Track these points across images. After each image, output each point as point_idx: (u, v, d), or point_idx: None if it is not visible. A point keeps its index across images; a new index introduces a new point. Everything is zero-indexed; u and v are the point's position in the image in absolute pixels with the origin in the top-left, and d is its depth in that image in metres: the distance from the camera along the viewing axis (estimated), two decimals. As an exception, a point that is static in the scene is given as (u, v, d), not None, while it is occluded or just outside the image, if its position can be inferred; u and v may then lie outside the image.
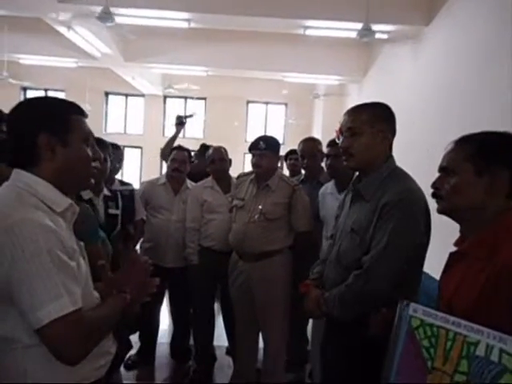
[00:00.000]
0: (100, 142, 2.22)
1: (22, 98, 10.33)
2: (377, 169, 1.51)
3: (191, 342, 3.00)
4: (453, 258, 1.17)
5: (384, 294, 1.40)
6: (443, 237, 1.67)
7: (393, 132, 1.56)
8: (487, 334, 0.88)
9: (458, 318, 0.93)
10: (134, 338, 2.99)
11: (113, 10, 4.17)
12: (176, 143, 3.22)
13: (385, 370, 1.05)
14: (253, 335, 2.57)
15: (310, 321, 2.75)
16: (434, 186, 1.17)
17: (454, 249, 1.19)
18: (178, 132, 3.44)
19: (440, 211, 1.17)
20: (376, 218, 1.43)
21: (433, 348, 0.94)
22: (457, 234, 1.21)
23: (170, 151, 3.05)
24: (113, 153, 2.40)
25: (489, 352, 0.87)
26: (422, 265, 1.54)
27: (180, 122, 3.44)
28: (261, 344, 2.59)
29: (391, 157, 1.55)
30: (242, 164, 7.86)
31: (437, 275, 1.29)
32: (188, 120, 3.54)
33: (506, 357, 0.85)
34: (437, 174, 1.19)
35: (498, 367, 0.85)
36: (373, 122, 1.50)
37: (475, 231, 1.09)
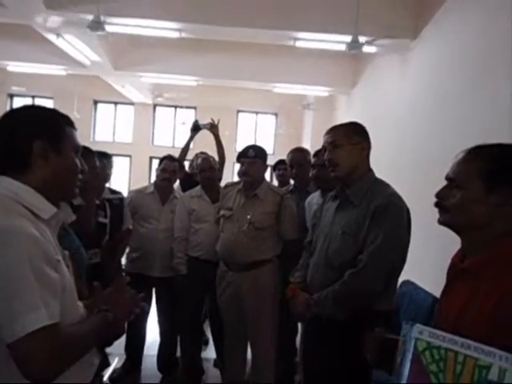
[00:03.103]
0: (87, 151, 2.19)
1: (8, 106, 10.21)
2: (360, 178, 1.70)
3: (179, 353, 2.96)
4: (454, 275, 1.11)
5: (378, 290, 1.57)
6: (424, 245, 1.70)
7: (368, 145, 1.76)
8: (499, 357, 0.81)
9: (467, 340, 0.86)
10: (120, 350, 2.93)
11: (103, 18, 4.17)
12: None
13: None
14: (241, 347, 2.54)
15: (299, 332, 2.74)
16: (438, 196, 1.11)
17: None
18: (191, 137, 3.42)
19: (441, 223, 1.11)
20: (368, 219, 1.58)
21: (441, 373, 0.87)
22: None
23: (183, 156, 3.17)
24: (103, 161, 2.37)
25: (502, 376, 0.80)
26: (403, 264, 1.66)
27: (195, 127, 3.39)
28: (249, 356, 2.56)
29: (371, 170, 1.77)
30: (231, 173, 7.86)
31: (422, 284, 1.31)
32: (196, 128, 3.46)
33: None
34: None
35: None
36: (350, 136, 1.72)
37: (479, 249, 1.03)
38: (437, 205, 1.10)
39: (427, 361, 0.89)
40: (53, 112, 1.09)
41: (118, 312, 1.07)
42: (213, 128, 3.38)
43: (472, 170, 1.02)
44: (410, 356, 0.91)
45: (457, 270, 1.09)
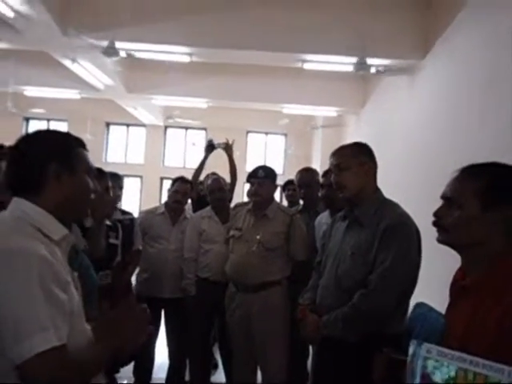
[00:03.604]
0: (99, 172, 2.23)
1: (24, 129, 10.48)
2: (369, 198, 1.69)
3: (188, 377, 2.91)
4: (457, 292, 1.13)
5: (389, 311, 1.54)
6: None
7: (374, 164, 1.76)
8: (508, 373, 0.82)
9: (476, 357, 0.86)
10: (128, 373, 2.89)
11: (117, 44, 4.31)
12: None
13: None
14: (251, 370, 2.49)
15: (310, 355, 2.68)
16: (436, 215, 1.13)
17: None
18: (206, 156, 3.42)
19: (440, 241, 1.14)
20: (378, 240, 1.56)
21: None
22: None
23: (196, 177, 3.25)
24: (114, 181, 2.41)
25: None
26: (415, 285, 1.62)
27: (210, 147, 3.40)
28: (259, 379, 2.50)
29: (379, 189, 1.75)
30: (241, 193, 7.89)
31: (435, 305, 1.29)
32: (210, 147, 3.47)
33: None
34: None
35: None
36: (356, 156, 1.71)
37: (478, 266, 1.06)
38: (435, 224, 1.13)
39: (436, 379, 0.89)
40: (65, 135, 1.12)
41: (125, 336, 1.05)
42: (227, 148, 3.40)
43: (468, 189, 1.05)
44: (419, 375, 0.91)
45: (459, 288, 1.11)
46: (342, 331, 1.56)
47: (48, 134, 1.11)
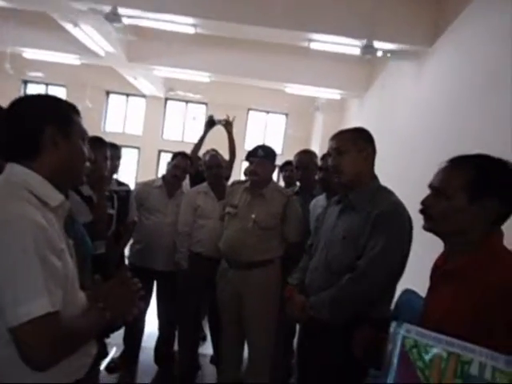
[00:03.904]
0: (99, 142, 2.22)
1: (22, 91, 10.30)
2: (365, 184, 1.69)
3: (176, 347, 2.97)
4: (438, 278, 1.19)
5: (375, 296, 1.57)
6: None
7: (373, 151, 1.74)
8: (479, 353, 0.89)
9: (451, 338, 0.93)
10: (118, 340, 2.96)
11: (120, 10, 4.19)
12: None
13: None
14: (238, 345, 2.55)
15: (296, 334, 2.74)
16: (423, 203, 1.20)
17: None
18: (206, 132, 3.39)
19: (426, 229, 1.20)
20: (370, 226, 1.57)
21: (427, 369, 0.93)
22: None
23: (195, 152, 3.24)
24: (112, 152, 2.39)
25: (482, 370, 0.88)
26: (402, 273, 1.65)
27: (210, 123, 3.36)
28: (245, 355, 2.56)
29: (376, 176, 1.75)
30: (239, 171, 7.87)
31: (423, 293, 1.32)
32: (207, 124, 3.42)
33: (499, 374, 0.86)
34: None
35: None
36: (355, 141, 1.70)
37: (461, 252, 1.12)
38: (422, 212, 1.20)
39: (414, 357, 0.95)
40: (59, 100, 1.10)
41: (116, 309, 1.06)
42: (227, 125, 3.38)
43: (456, 181, 1.11)
44: (397, 353, 0.97)
45: (441, 273, 1.18)
46: (328, 313, 1.58)
47: (43, 98, 1.09)
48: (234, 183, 2.64)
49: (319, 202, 2.49)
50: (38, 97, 1.09)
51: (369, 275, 1.54)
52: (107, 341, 2.69)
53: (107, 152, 2.23)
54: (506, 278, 1.01)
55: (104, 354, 2.73)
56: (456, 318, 1.05)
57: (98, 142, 2.18)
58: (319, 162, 2.61)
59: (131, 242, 2.95)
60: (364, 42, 4.16)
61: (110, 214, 2.37)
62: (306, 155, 2.84)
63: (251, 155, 2.41)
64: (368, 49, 4.08)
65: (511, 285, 1.00)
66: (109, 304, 1.05)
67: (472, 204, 1.09)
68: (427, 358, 0.93)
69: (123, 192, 2.68)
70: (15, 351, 0.89)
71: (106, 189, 2.32)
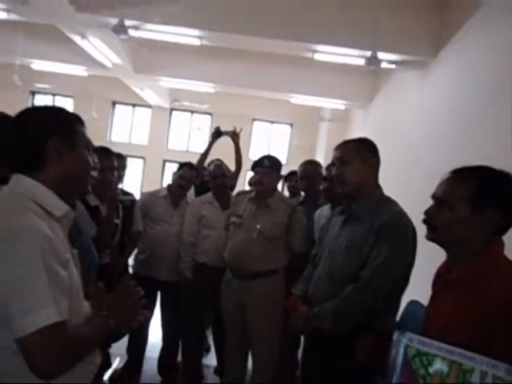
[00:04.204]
0: (107, 152, 2.24)
1: (30, 102, 10.44)
2: (368, 194, 1.69)
3: (180, 358, 2.95)
4: (440, 286, 1.21)
5: (379, 307, 1.56)
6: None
7: (377, 162, 1.74)
8: (480, 361, 0.90)
9: (452, 346, 0.94)
10: (122, 350, 2.94)
11: (127, 23, 4.26)
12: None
13: None
14: (242, 356, 2.53)
15: (301, 344, 2.72)
16: (426, 213, 1.21)
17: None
18: (212, 142, 3.42)
19: (429, 239, 1.22)
20: (373, 236, 1.57)
21: (429, 376, 0.95)
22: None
23: (201, 162, 3.26)
24: (117, 162, 2.42)
25: (483, 379, 0.89)
26: (407, 283, 1.64)
27: (217, 134, 3.39)
28: (249, 365, 2.54)
29: (379, 186, 1.75)
30: (243, 181, 7.90)
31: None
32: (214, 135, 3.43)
33: (500, 382, 0.88)
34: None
35: None
36: (359, 152, 1.70)
37: (463, 261, 1.14)
38: (425, 222, 1.21)
39: (417, 366, 0.96)
40: (63, 111, 1.11)
41: (120, 317, 1.07)
42: (234, 136, 3.40)
43: (459, 192, 1.13)
44: (400, 361, 0.98)
45: (443, 282, 1.20)
46: (331, 323, 1.57)
47: (46, 109, 1.11)
48: (239, 193, 2.64)
49: (324, 212, 2.49)
50: (43, 108, 1.11)
51: (372, 285, 1.53)
52: (110, 351, 2.69)
53: (114, 162, 2.25)
54: (507, 288, 1.03)
55: (107, 364, 2.72)
56: (457, 327, 1.06)
57: (105, 152, 2.21)
58: (324, 172, 2.61)
59: (136, 251, 2.96)
60: (368, 53, 4.19)
61: (115, 224, 2.38)
62: (311, 165, 2.84)
63: (257, 165, 2.42)
64: (372, 60, 4.10)
65: (509, 303, 1.01)
66: (112, 312, 1.06)
67: (474, 215, 1.11)
68: (430, 368, 0.94)
69: (128, 201, 2.69)
70: (22, 361, 0.89)
71: (116, 200, 2.33)
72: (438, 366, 0.93)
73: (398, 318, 1.80)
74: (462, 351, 0.92)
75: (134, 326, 1.11)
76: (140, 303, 1.11)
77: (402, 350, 0.98)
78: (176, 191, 2.95)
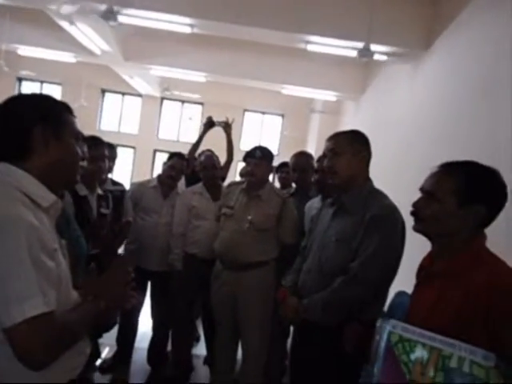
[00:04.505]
0: (97, 141, 2.21)
1: (17, 89, 10.23)
2: (358, 186, 1.69)
3: (169, 348, 2.96)
4: (423, 277, 1.25)
5: (368, 299, 1.58)
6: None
7: (369, 154, 1.75)
8: (459, 347, 0.95)
9: (434, 333, 0.99)
10: (111, 341, 2.94)
11: (117, 9, 4.17)
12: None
13: None
14: (232, 346, 2.54)
15: (290, 335, 2.74)
16: (414, 205, 1.24)
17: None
18: (204, 133, 3.40)
19: (416, 230, 1.26)
20: (363, 229, 1.58)
21: (411, 362, 0.99)
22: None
23: (192, 152, 3.24)
24: (107, 152, 2.38)
25: (461, 364, 0.94)
26: (395, 275, 1.66)
27: (209, 124, 3.36)
28: (239, 355, 2.56)
29: (370, 179, 1.75)
30: (234, 172, 7.86)
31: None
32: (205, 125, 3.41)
33: (477, 367, 0.93)
34: None
35: (470, 377, 0.93)
36: (351, 144, 1.71)
37: (447, 253, 1.18)
38: (413, 213, 1.25)
39: (399, 351, 1.01)
40: (51, 99, 1.09)
41: (111, 299, 1.06)
42: (227, 127, 3.38)
43: (447, 186, 1.17)
44: (383, 347, 1.03)
45: (426, 273, 1.24)
46: (320, 315, 1.59)
47: (33, 97, 1.08)
48: (230, 184, 2.63)
49: (314, 203, 2.49)
50: (30, 96, 1.08)
51: (361, 278, 1.55)
52: (100, 341, 2.68)
53: (105, 151, 2.23)
54: (490, 280, 1.06)
55: (97, 354, 2.72)
56: (438, 317, 1.10)
57: (96, 141, 2.18)
58: (315, 164, 2.61)
59: (125, 241, 2.94)
60: (361, 44, 4.18)
61: (105, 214, 2.36)
62: (303, 157, 2.83)
63: (249, 156, 2.41)
64: (365, 52, 4.09)
65: (492, 286, 1.05)
66: (103, 293, 1.05)
67: (461, 208, 1.14)
68: (412, 354, 1.00)
69: (118, 192, 2.67)
70: (8, 351, 0.88)
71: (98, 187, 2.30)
72: (419, 352, 0.98)
73: (385, 308, 1.83)
74: (444, 338, 0.97)
75: (126, 308, 1.10)
76: (131, 285, 1.10)
77: (385, 336, 1.03)
78: (166, 181, 2.92)
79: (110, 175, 2.77)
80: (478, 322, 1.04)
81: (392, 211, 1.63)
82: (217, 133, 3.50)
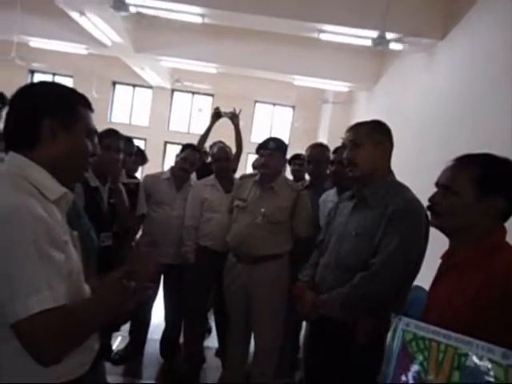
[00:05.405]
0: (114, 133, 2.20)
1: (29, 81, 10.29)
2: (380, 179, 1.63)
3: (182, 340, 2.97)
4: (441, 271, 1.23)
5: (389, 296, 1.52)
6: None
7: (391, 145, 1.68)
8: (476, 346, 0.91)
9: (449, 331, 0.96)
10: (124, 332, 2.95)
11: (127, -1, 4.15)
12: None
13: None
14: (245, 338, 2.53)
15: (303, 328, 2.72)
16: (431, 200, 1.22)
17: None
18: (212, 124, 3.37)
19: (435, 225, 1.23)
20: (384, 223, 1.53)
21: (426, 361, 0.97)
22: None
23: (201, 144, 3.21)
24: (125, 146, 2.35)
25: (478, 362, 0.90)
26: (418, 271, 1.62)
27: (217, 115, 3.32)
28: (251, 348, 2.55)
29: (392, 171, 1.69)
30: (244, 164, 7.82)
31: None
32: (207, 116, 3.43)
33: (495, 366, 0.89)
34: None
35: (488, 376, 0.89)
36: (372, 134, 1.64)
37: (464, 246, 1.16)
38: (429, 208, 1.23)
39: (413, 349, 0.99)
40: (68, 90, 1.06)
41: (142, 275, 1.05)
42: (234, 117, 3.34)
43: (465, 179, 1.14)
44: (398, 345, 1.01)
45: (445, 267, 1.22)
46: (339, 312, 1.54)
47: (50, 86, 1.05)
48: (243, 176, 2.60)
49: (329, 196, 2.44)
50: (45, 85, 1.05)
51: (383, 274, 1.50)
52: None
53: (121, 144, 2.21)
54: (506, 270, 1.04)
55: (108, 350, 2.73)
56: (455, 308, 1.09)
57: (113, 133, 2.18)
58: (331, 156, 2.55)
59: (139, 234, 2.93)
60: (375, 33, 4.08)
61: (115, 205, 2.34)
62: (319, 149, 2.77)
63: (262, 147, 2.37)
64: (380, 40, 4.00)
65: (510, 275, 1.03)
66: (137, 268, 1.05)
67: (479, 201, 1.12)
68: (425, 350, 0.98)
69: (132, 185, 2.66)
70: (13, 348, 0.87)
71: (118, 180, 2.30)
72: (434, 350, 0.96)
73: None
74: (459, 336, 0.94)
75: (142, 299, 1.09)
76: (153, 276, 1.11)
77: (399, 335, 1.01)
78: (179, 174, 2.90)
79: (139, 172, 2.76)
80: (493, 316, 1.02)
81: (415, 205, 1.57)
82: (226, 124, 3.46)
